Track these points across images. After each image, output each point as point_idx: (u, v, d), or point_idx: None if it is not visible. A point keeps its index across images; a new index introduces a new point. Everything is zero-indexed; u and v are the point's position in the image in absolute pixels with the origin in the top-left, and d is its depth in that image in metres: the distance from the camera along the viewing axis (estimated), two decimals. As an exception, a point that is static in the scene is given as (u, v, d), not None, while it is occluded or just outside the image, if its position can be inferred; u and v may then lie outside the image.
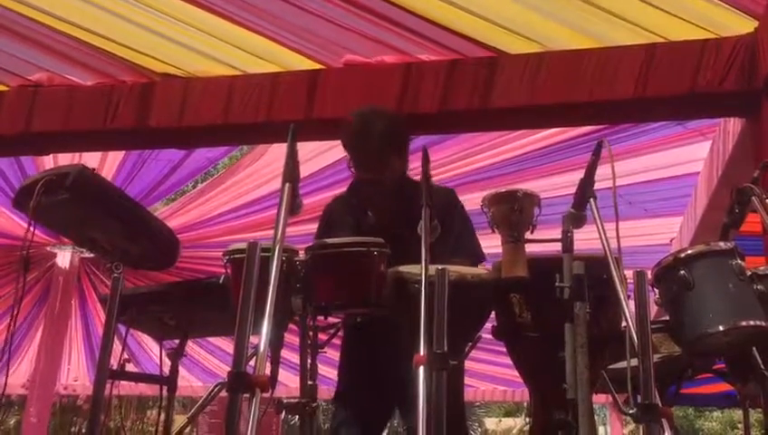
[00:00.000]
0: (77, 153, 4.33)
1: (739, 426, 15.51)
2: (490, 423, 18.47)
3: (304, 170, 3.02)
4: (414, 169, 3.52)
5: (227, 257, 2.14)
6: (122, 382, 2.49)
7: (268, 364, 1.75)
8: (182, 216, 5.58)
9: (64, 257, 6.33)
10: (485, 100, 3.25)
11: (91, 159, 4.45)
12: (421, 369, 1.72)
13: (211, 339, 7.06)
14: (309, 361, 2.11)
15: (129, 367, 2.51)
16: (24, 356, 8.10)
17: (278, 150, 4.56)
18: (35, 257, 6.19)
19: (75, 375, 8.41)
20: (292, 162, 1.94)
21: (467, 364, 2.71)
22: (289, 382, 4.91)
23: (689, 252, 2.02)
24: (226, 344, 7.31)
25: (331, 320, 2.27)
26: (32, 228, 2.16)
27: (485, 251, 2.65)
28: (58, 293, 6.27)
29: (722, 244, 2.04)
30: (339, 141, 2.75)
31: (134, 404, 8.08)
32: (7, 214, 5.49)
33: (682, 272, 1.95)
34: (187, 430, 2.63)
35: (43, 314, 6.68)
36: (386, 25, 3.31)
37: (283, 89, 3.49)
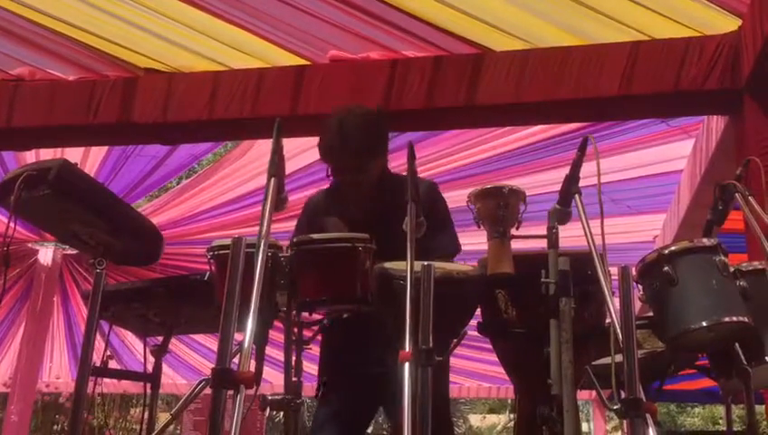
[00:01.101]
0: (59, 148, 4.29)
1: (720, 422, 15.66)
2: (474, 420, 18.54)
3: (290, 166, 3.02)
4: (400, 165, 3.52)
5: (212, 253, 2.12)
6: (105, 380, 2.47)
7: (253, 361, 1.74)
8: (166, 212, 5.54)
9: (46, 254, 6.28)
10: (471, 96, 3.25)
11: (73, 154, 4.40)
12: (406, 365, 1.71)
13: (194, 336, 7.04)
14: (293, 357, 2.10)
15: (112, 364, 2.49)
16: (5, 354, 8.02)
17: (263, 147, 4.53)
18: (17, 254, 6.13)
19: (57, 373, 8.34)
20: (277, 157, 1.93)
21: (451, 361, 2.71)
22: (273, 379, 4.90)
23: (673, 248, 2.03)
24: (209, 341, 7.29)
25: (316, 316, 2.25)
26: (12, 224, 2.12)
27: (472, 248, 2.65)
28: (40, 290, 6.22)
29: (705, 240, 2.06)
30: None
31: (117, 402, 8.02)
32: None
33: (666, 268, 1.96)
34: (171, 427, 2.61)
35: (25, 311, 6.62)
36: (372, 22, 3.30)
37: (269, 85, 3.48)
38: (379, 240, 2.10)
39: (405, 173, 2.15)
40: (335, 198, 2.65)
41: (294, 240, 2.13)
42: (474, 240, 2.65)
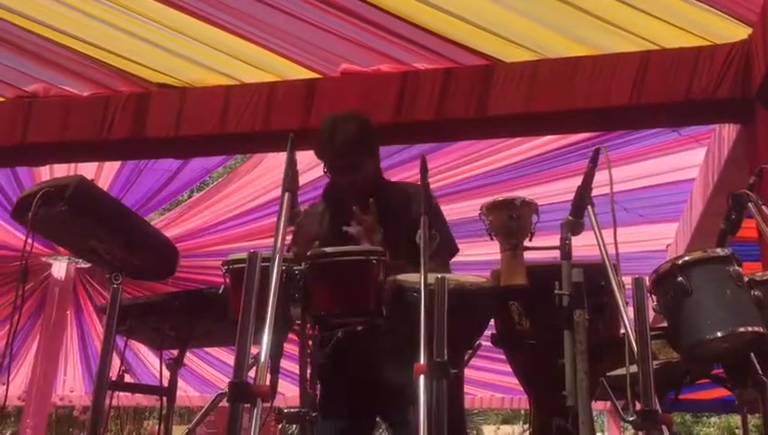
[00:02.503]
0: (73, 164, 4.33)
1: (737, 431, 15.50)
2: (488, 431, 18.43)
3: (301, 180, 3.02)
4: (411, 176, 3.53)
5: (227, 267, 2.13)
6: (120, 393, 2.48)
7: (268, 374, 1.75)
8: (178, 225, 5.58)
9: (60, 268, 6.32)
10: (482, 108, 3.26)
11: (87, 169, 4.44)
12: (421, 378, 1.71)
13: (206, 349, 7.05)
14: (308, 370, 2.11)
15: (126, 378, 2.50)
16: (20, 368, 8.06)
17: (273, 160, 4.56)
18: (31, 268, 6.17)
19: (71, 386, 8.38)
20: (291, 172, 1.94)
21: (465, 372, 2.70)
22: (287, 391, 4.89)
23: (687, 259, 2.02)
24: (221, 353, 7.30)
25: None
26: (30, 240, 2.15)
27: (484, 259, 2.65)
28: (54, 303, 6.25)
29: (719, 250, 2.05)
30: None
31: (131, 414, 8.05)
32: (3, 225, 5.47)
33: (680, 278, 1.95)
34: (186, 440, 2.62)
35: (39, 324, 6.65)
36: (382, 35, 3.32)
37: (280, 98, 3.50)
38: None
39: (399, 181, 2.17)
40: (332, 207, 2.63)
41: (309, 254, 2.13)
42: (486, 251, 2.65)
